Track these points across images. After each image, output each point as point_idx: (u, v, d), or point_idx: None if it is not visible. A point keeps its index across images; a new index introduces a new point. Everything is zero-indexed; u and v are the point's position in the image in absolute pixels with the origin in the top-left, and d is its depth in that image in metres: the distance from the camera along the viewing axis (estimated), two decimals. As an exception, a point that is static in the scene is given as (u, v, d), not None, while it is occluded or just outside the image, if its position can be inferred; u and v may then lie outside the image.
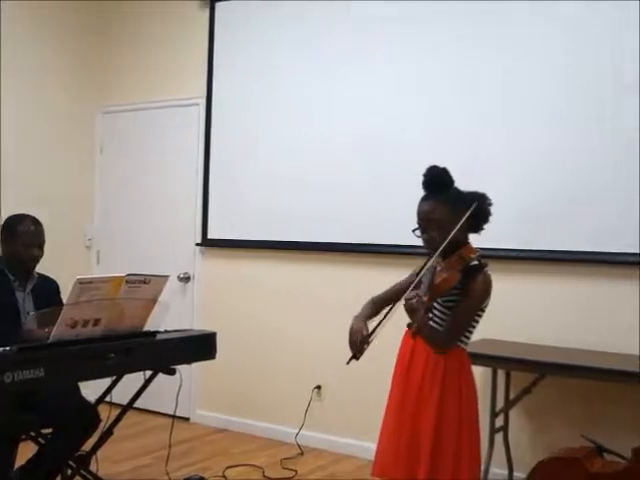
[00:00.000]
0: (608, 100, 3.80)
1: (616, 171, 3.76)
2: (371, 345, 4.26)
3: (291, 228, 4.84)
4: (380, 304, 2.73)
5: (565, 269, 3.93)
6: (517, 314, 3.98)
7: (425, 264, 2.50)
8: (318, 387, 4.74)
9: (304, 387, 4.75)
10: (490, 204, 2.60)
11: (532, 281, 4.02)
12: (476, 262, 2.55)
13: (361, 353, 2.57)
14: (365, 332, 2.57)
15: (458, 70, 4.24)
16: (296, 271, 4.86)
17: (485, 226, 2.63)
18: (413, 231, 2.60)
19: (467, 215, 2.48)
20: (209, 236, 5.25)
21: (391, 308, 2.56)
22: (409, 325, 2.58)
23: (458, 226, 2.47)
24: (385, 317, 2.55)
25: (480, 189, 2.62)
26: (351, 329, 2.63)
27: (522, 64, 4.04)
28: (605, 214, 3.78)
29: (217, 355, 3.29)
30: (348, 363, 2.59)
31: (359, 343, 2.56)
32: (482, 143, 4.14)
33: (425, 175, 2.60)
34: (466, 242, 2.59)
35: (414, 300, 2.41)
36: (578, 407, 3.83)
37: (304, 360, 4.80)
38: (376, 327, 2.55)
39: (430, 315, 2.54)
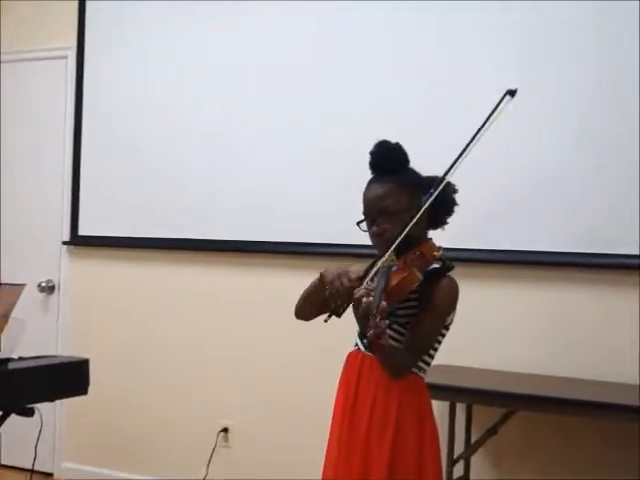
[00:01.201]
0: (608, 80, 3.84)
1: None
2: (289, 376, 4.32)
3: (187, 222, 4.85)
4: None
5: (541, 274, 3.97)
6: (481, 333, 4.02)
7: (374, 262, 2.48)
8: (225, 430, 4.74)
9: (207, 429, 4.74)
10: (455, 191, 2.62)
11: (500, 290, 4.06)
12: (437, 265, 2.55)
13: (349, 304, 2.40)
14: (354, 275, 2.42)
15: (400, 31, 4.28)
16: (195, 277, 4.85)
17: (448, 220, 2.64)
18: (358, 224, 2.58)
19: (433, 198, 2.47)
20: (80, 232, 5.22)
21: (374, 263, 2.47)
22: (365, 336, 2.40)
23: (420, 214, 2.46)
24: (373, 266, 2.46)
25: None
26: (331, 274, 2.46)
27: (479, 31, 4.09)
28: (596, 210, 3.84)
29: (90, 389, 3.27)
30: (326, 321, 2.45)
31: (346, 290, 2.38)
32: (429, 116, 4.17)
33: (374, 152, 2.60)
34: (425, 238, 2.59)
35: (369, 298, 2.26)
36: (556, 451, 3.88)
37: (207, 394, 4.77)
38: (367, 273, 2.43)
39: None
